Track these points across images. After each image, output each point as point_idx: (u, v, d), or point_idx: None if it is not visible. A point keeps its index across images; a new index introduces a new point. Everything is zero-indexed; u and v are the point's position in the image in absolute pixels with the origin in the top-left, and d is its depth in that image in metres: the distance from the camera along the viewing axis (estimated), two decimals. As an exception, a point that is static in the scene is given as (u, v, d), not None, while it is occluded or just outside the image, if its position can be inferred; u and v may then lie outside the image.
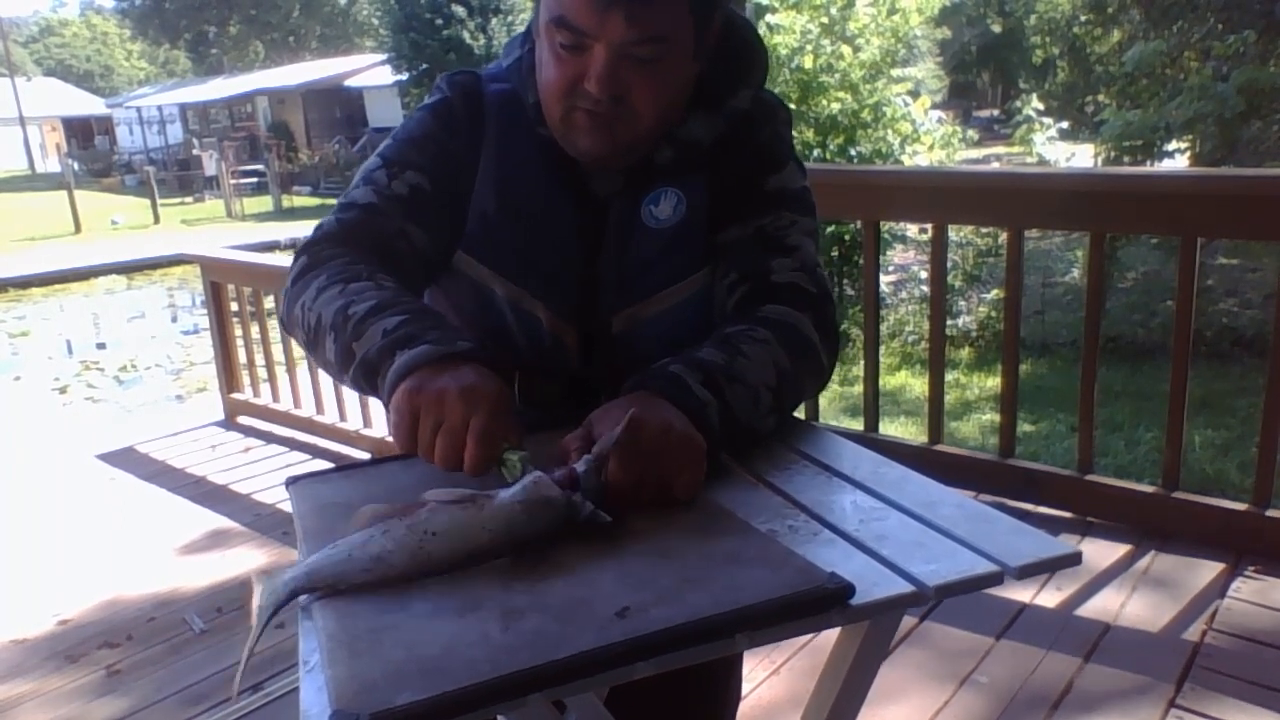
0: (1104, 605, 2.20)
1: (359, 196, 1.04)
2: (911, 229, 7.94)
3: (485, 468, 0.81)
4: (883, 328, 5.56)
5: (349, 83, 30.39)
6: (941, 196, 2.88)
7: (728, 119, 1.04)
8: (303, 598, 0.73)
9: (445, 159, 1.05)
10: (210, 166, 25.45)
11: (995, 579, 0.74)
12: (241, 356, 4.27)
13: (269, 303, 4.09)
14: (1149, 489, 2.57)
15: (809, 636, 2.11)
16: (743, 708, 1.44)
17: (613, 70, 0.92)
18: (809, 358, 1.00)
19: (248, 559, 2.84)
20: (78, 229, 20.20)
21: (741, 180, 1.05)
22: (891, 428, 5.14)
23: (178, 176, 28.05)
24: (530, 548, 0.75)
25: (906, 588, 0.72)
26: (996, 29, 33.04)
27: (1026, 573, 0.74)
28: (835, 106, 7.63)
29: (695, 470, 0.84)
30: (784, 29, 7.53)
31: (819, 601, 0.69)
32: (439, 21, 22.03)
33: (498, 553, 0.75)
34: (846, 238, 6.78)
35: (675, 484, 0.83)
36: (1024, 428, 5.34)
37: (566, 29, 0.92)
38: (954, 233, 7.34)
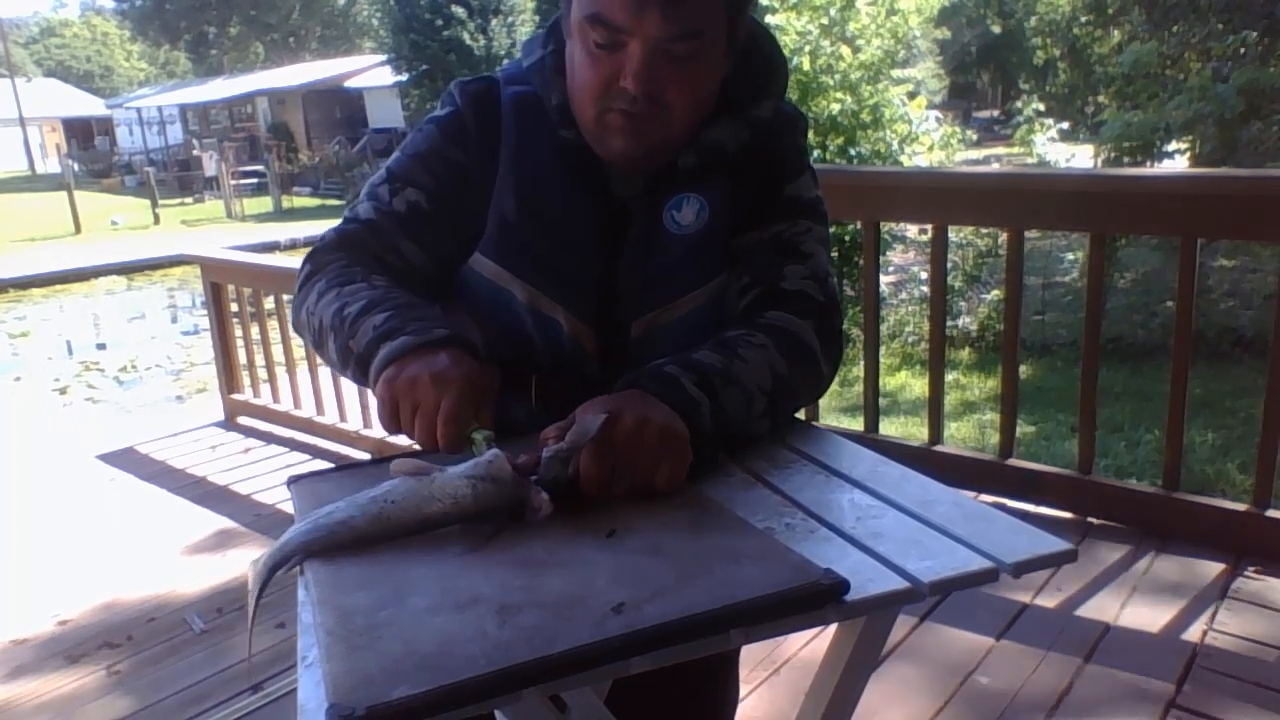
0: (1104, 605, 2.20)
1: (362, 211, 1.08)
2: (911, 229, 7.95)
3: (457, 447, 0.86)
4: (883, 328, 5.56)
5: (349, 83, 30.41)
6: (941, 197, 2.88)
7: (750, 128, 1.04)
8: (296, 571, 0.80)
9: (449, 175, 1.06)
10: (210, 167, 25.45)
11: (991, 575, 0.74)
12: (241, 357, 4.27)
13: (269, 303, 4.10)
14: (1149, 489, 2.57)
15: (808, 637, 2.11)
16: (741, 709, 1.45)
17: (649, 67, 0.93)
18: (808, 364, 1.01)
19: (248, 559, 2.83)
20: (78, 229, 20.21)
21: (761, 187, 1.06)
22: (891, 428, 5.14)
23: (178, 177, 28.04)
24: (480, 522, 0.79)
25: (901, 584, 0.72)
26: (996, 29, 33.09)
27: (1022, 569, 0.75)
28: (835, 107, 7.64)
29: (676, 462, 0.85)
30: (781, 29, 7.54)
31: (814, 597, 0.69)
32: (439, 22, 22.03)
33: (447, 522, 0.80)
34: (846, 238, 6.79)
35: (655, 476, 0.84)
36: (1024, 428, 5.34)
37: (602, 25, 0.92)
38: (954, 233, 7.34)
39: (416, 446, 0.89)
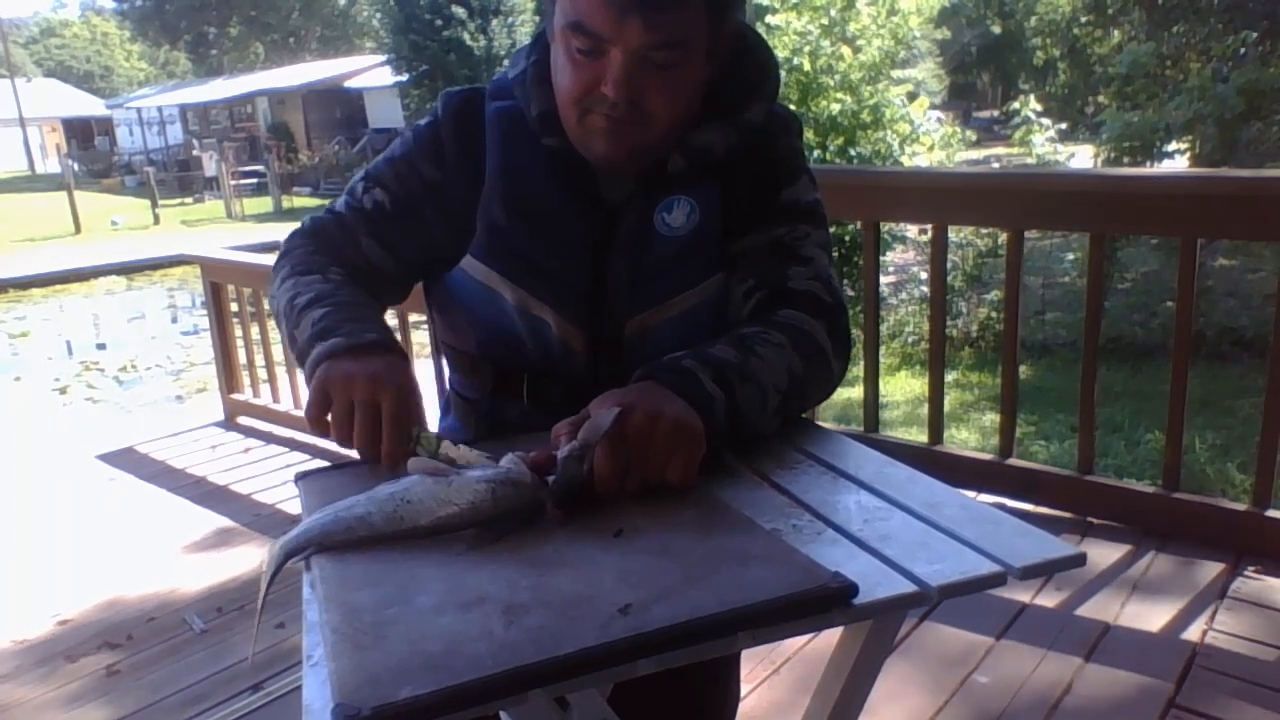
0: (1104, 605, 2.20)
1: (338, 205, 1.14)
2: (911, 229, 7.94)
3: (399, 453, 0.89)
4: (883, 328, 5.56)
5: (349, 84, 30.37)
6: (941, 197, 2.88)
7: (741, 131, 1.04)
8: (305, 564, 0.80)
9: (418, 185, 1.08)
10: (210, 167, 25.41)
11: (998, 579, 0.74)
12: (241, 357, 4.27)
13: (269, 303, 4.09)
14: (1149, 489, 2.57)
15: (809, 637, 2.11)
16: (742, 708, 1.45)
17: (629, 75, 0.93)
18: (820, 364, 1.01)
19: (248, 559, 2.84)
20: (78, 229, 20.18)
21: (756, 191, 1.06)
22: (891, 429, 5.13)
23: (178, 177, 27.99)
24: (496, 526, 0.79)
25: (909, 588, 0.72)
26: (996, 30, 33.09)
27: (1030, 574, 0.74)
28: (835, 108, 7.64)
29: (689, 456, 0.85)
30: (780, 30, 7.54)
31: (822, 601, 0.69)
32: (439, 23, 22.00)
33: (463, 525, 0.79)
34: (846, 238, 6.78)
35: (668, 470, 0.84)
36: (1024, 428, 5.34)
37: (583, 34, 0.93)
38: (954, 233, 7.33)
39: (343, 450, 0.91)
